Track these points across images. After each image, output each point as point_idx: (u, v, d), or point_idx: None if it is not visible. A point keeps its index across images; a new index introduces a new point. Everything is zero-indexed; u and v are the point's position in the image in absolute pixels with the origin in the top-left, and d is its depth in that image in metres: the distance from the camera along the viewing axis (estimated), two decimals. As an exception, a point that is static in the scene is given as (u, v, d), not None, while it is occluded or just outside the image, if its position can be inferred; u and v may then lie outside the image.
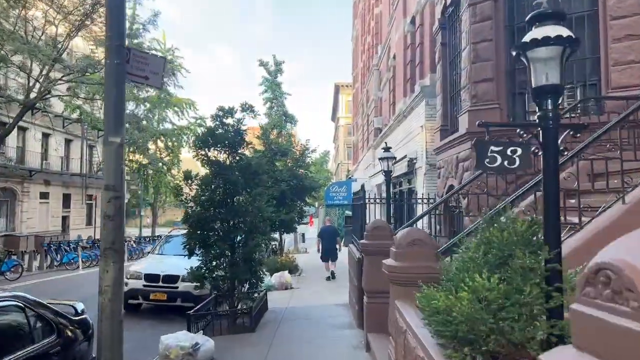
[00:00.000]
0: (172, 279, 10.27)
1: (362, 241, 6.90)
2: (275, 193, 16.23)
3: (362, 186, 8.32)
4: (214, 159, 9.35)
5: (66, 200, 30.96)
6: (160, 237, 18.73)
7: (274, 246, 19.96)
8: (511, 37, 8.02)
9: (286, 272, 14.25)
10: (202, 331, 7.70)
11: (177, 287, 10.23)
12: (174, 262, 10.51)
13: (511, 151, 2.46)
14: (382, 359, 5.49)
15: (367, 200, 8.71)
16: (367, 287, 6.64)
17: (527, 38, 2.49)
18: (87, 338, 5.30)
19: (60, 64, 20.70)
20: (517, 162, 2.46)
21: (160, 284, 10.30)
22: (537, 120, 2.51)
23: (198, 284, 8.83)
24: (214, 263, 8.92)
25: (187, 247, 8.89)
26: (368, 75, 26.47)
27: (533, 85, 2.51)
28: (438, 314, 2.58)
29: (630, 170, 4.29)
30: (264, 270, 10.76)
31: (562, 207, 4.29)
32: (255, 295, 9.57)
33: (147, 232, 40.52)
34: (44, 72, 20.04)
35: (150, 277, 10.38)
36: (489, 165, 2.49)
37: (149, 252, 14.68)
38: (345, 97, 53.10)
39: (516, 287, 2.42)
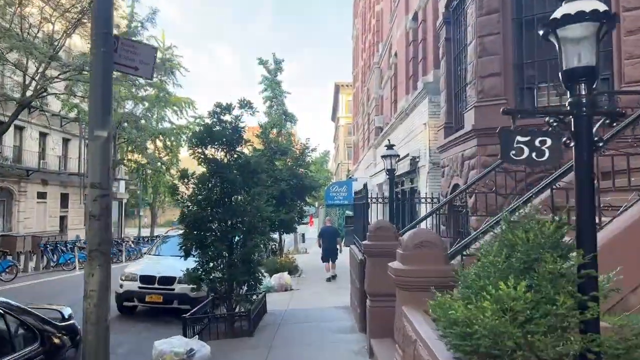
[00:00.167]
0: (168, 280, 9.97)
1: (364, 242, 6.62)
2: (275, 192, 15.93)
3: (365, 185, 8.03)
4: (211, 157, 9.06)
5: (64, 200, 30.67)
6: (159, 237, 18.43)
7: (273, 246, 19.68)
8: (519, 30, 7.74)
9: (286, 273, 13.97)
10: (197, 336, 7.41)
11: (173, 289, 9.93)
12: (171, 263, 10.22)
13: (540, 142, 2.18)
14: (387, 367, 5.21)
15: (369, 200, 8.41)
16: (370, 290, 6.36)
17: (557, 14, 2.20)
18: (75, 345, 5.00)
19: (56, 61, 20.42)
20: (547, 155, 2.18)
21: (156, 285, 10.00)
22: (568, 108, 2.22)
23: (194, 286, 8.53)
24: (211, 264, 8.62)
25: (184, 247, 8.60)
26: (369, 74, 26.18)
27: (564, 68, 2.22)
28: (456, 326, 2.29)
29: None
30: (263, 271, 10.48)
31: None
32: (254, 297, 9.28)
33: (146, 232, 40.24)
34: (40, 69, 19.76)
35: (146, 279, 10.08)
36: (515, 158, 2.20)
37: (144, 253, 14.40)
38: (345, 96, 52.86)
39: (546, 296, 2.13)
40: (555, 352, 2.01)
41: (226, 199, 8.86)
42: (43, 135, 28.56)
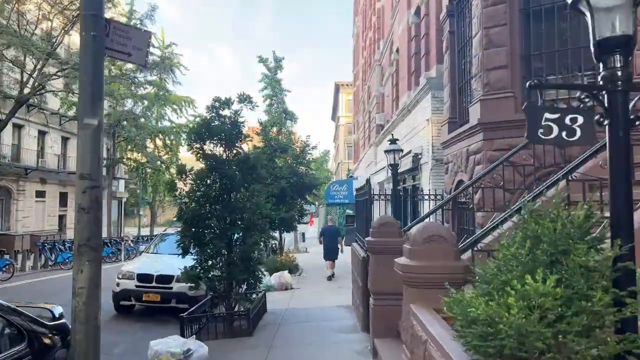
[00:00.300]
0: (166, 279, 9.75)
1: (367, 238, 6.39)
2: (275, 190, 15.72)
3: (367, 180, 7.80)
4: (209, 152, 8.83)
5: (63, 199, 30.41)
6: (157, 235, 18.21)
7: (273, 245, 19.46)
8: (526, 20, 7.52)
9: (286, 272, 13.74)
10: (195, 335, 7.18)
11: (171, 288, 9.70)
12: (169, 262, 9.98)
13: (571, 120, 1.95)
14: (392, 368, 4.98)
15: (372, 196, 8.16)
16: (374, 288, 6.13)
17: (589, -22, 1.97)
18: (66, 345, 4.77)
19: (54, 59, 20.20)
20: (578, 134, 1.96)
21: (154, 284, 9.77)
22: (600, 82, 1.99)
23: (192, 284, 8.31)
24: (210, 262, 8.40)
25: (181, 245, 8.38)
26: (370, 72, 25.97)
27: (596, 39, 1.99)
28: (475, 325, 2.07)
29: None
30: (263, 270, 10.26)
31: (599, 200, 3.79)
32: (254, 296, 9.06)
33: (146, 231, 40.01)
34: (38, 66, 19.55)
35: (143, 277, 9.86)
36: (543, 137, 1.98)
37: (142, 251, 14.17)
38: (345, 96, 52.66)
39: (579, 292, 1.91)
40: (590, 355, 1.79)
41: (225, 196, 8.64)
42: (42, 134, 28.33)
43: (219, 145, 8.91)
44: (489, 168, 6.48)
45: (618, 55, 1.95)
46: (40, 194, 28.24)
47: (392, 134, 11.18)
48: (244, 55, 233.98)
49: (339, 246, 15.78)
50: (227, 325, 7.95)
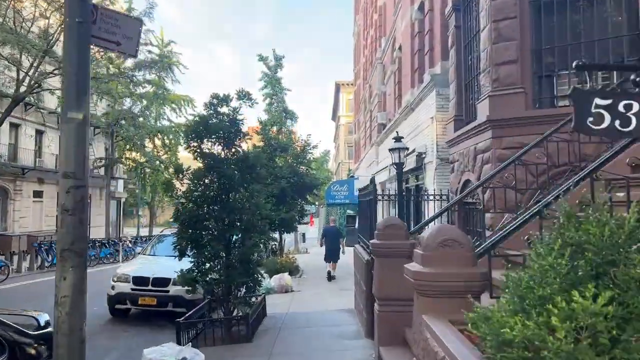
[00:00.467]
0: (162, 282, 9.44)
1: (372, 241, 6.08)
2: (275, 190, 15.42)
3: (372, 179, 7.50)
4: (207, 151, 8.54)
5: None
6: (154, 236, 17.89)
7: (273, 246, 19.16)
8: (537, 13, 7.22)
9: (286, 274, 13.44)
10: (190, 343, 6.88)
11: (167, 291, 9.40)
12: (165, 264, 9.68)
13: (625, 106, 1.65)
14: (399, 379, 4.68)
15: (378, 197, 7.84)
16: (379, 294, 5.83)
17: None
18: (53, 355, 4.48)
19: (51, 56, 19.90)
20: (634, 123, 1.65)
21: (150, 287, 9.47)
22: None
23: (189, 288, 8.01)
24: (208, 265, 8.10)
25: (178, 247, 8.08)
26: (371, 70, 25.66)
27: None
28: (509, 348, 1.77)
29: None
30: (263, 272, 9.97)
31: (625, 200, 3.50)
32: (253, 299, 8.76)
33: (145, 232, 39.69)
34: (35, 64, 19.26)
35: (139, 280, 9.56)
36: (593, 127, 1.68)
37: (138, 253, 13.87)
38: (346, 95, 52.36)
39: (634, 310, 1.61)
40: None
41: (223, 196, 8.34)
42: (39, 133, 28.05)
43: (217, 143, 8.62)
44: (500, 167, 6.18)
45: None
46: (37, 194, 27.95)
47: (397, 132, 10.87)
48: (244, 55, 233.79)
49: (341, 247, 15.51)
50: (225, 331, 7.65)
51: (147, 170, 34.22)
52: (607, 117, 1.67)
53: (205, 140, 8.53)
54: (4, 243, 20.46)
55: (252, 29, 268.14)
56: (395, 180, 13.83)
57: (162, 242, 11.61)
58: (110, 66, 25.87)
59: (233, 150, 8.63)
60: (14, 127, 25.70)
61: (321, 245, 16.01)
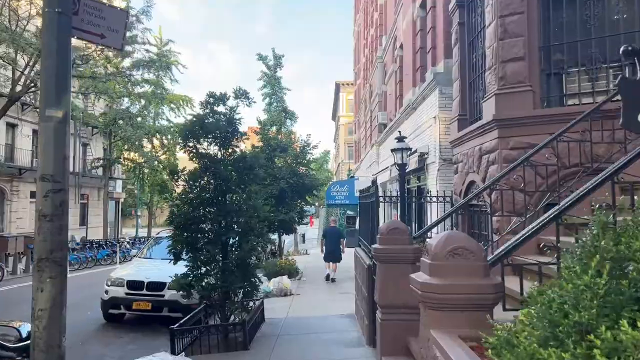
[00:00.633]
0: (157, 286, 9.17)
1: (374, 246, 5.81)
2: (274, 191, 15.15)
3: (374, 181, 7.23)
4: (203, 151, 8.27)
5: (58, 199, 29.82)
6: (150, 239, 17.60)
7: (272, 248, 18.90)
8: (545, 8, 6.94)
9: (285, 277, 13.15)
10: (183, 352, 6.61)
11: (163, 296, 9.13)
12: (161, 267, 9.41)
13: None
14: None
15: (379, 199, 7.55)
16: (381, 301, 5.55)
17: None
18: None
19: (47, 55, 19.60)
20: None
21: (145, 292, 9.20)
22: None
23: (184, 293, 7.74)
24: (203, 269, 7.83)
25: (173, 251, 7.81)
26: (371, 70, 25.40)
27: None
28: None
29: None
30: (261, 275, 9.70)
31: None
32: (251, 304, 8.49)
33: (144, 232, 39.40)
34: (30, 63, 18.98)
35: (133, 284, 9.29)
36: (646, 124, 1.40)
37: (133, 256, 13.59)
38: (346, 95, 52.14)
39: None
40: None
41: (220, 198, 8.08)
42: (36, 133, 27.64)
43: (213, 143, 8.35)
44: (508, 168, 5.90)
45: None
46: (34, 195, 27.46)
47: (399, 131, 10.60)
48: (244, 55, 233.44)
49: (341, 247, 15.24)
50: (222, 338, 7.38)
51: (146, 170, 33.94)
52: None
53: (201, 140, 8.27)
54: (1, 244, 20.18)
55: (251, 29, 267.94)
56: (397, 181, 13.58)
57: (159, 245, 11.33)
58: (108, 65, 25.60)
59: (230, 150, 8.37)
60: (11, 127, 25.43)
61: (322, 249, 15.71)
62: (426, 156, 11.55)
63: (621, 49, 1.83)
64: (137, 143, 29.47)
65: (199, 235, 7.92)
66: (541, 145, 5.74)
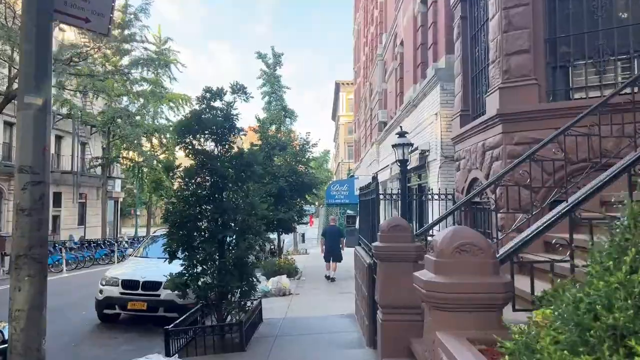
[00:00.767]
0: (152, 285, 8.98)
1: (375, 244, 5.61)
2: (273, 190, 14.94)
3: (375, 177, 7.02)
4: (200, 148, 8.07)
5: (57, 199, 29.60)
6: (146, 237, 17.40)
7: (272, 247, 18.69)
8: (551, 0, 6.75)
9: (284, 276, 12.95)
10: (177, 354, 6.40)
11: (158, 295, 8.93)
12: (157, 267, 9.20)
13: None
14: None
15: (380, 195, 7.34)
16: (382, 301, 5.36)
17: None
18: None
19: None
20: None
21: (140, 291, 9.00)
22: None
23: (180, 292, 7.54)
24: (200, 268, 7.63)
25: (168, 249, 7.61)
26: (371, 68, 25.20)
27: None
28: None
29: None
30: (260, 274, 9.49)
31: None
32: (248, 304, 8.29)
33: (143, 232, 39.17)
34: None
35: (128, 284, 9.09)
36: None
37: (129, 255, 13.39)
38: (346, 95, 51.97)
39: None
40: None
41: (216, 195, 7.87)
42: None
43: (210, 139, 8.14)
44: (513, 164, 5.70)
45: None
46: (33, 194, 27.44)
47: (401, 126, 10.39)
48: (244, 55, 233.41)
49: (341, 246, 15.04)
50: (218, 339, 7.18)
51: (145, 169, 33.71)
52: None
53: (198, 136, 8.06)
54: (-1, 244, 19.98)
55: (251, 29, 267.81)
56: (397, 179, 13.39)
57: (155, 243, 11.13)
58: (107, 64, 25.41)
59: (227, 147, 8.17)
60: (8, 125, 25.22)
61: (321, 248, 15.52)
62: (427, 153, 11.35)
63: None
64: (135, 142, 29.23)
65: (195, 234, 7.72)
66: (547, 140, 5.53)
